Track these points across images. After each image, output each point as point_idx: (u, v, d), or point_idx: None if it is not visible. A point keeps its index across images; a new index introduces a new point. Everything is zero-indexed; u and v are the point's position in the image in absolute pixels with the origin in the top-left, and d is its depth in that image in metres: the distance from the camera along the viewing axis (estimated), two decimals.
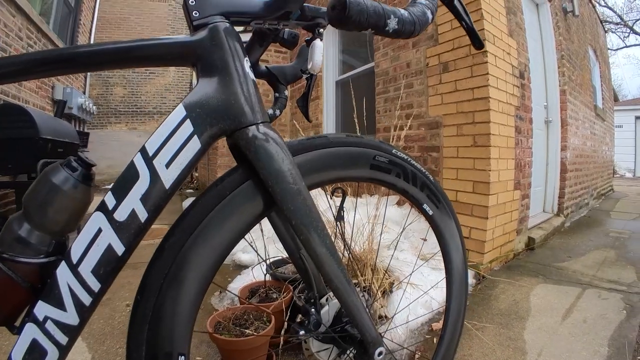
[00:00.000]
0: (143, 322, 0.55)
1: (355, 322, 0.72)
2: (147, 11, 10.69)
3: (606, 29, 10.24)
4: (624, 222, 4.46)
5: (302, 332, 0.79)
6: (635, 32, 18.82)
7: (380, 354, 0.76)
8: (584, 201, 4.96)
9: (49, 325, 0.52)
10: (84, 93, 7.44)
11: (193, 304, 0.58)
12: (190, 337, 0.59)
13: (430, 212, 0.89)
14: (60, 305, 0.52)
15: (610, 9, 18.70)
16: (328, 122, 4.88)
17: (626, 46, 20.32)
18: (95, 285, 0.54)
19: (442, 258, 0.97)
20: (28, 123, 2.63)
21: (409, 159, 0.82)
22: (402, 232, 1.96)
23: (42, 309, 0.52)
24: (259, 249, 2.09)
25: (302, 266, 0.82)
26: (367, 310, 0.74)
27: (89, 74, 8.57)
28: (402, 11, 0.62)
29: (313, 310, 0.79)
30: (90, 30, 7.61)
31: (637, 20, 18.58)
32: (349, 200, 2.12)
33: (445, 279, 0.99)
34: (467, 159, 2.61)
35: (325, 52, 4.81)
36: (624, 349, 1.62)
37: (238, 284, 2.10)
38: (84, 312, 0.54)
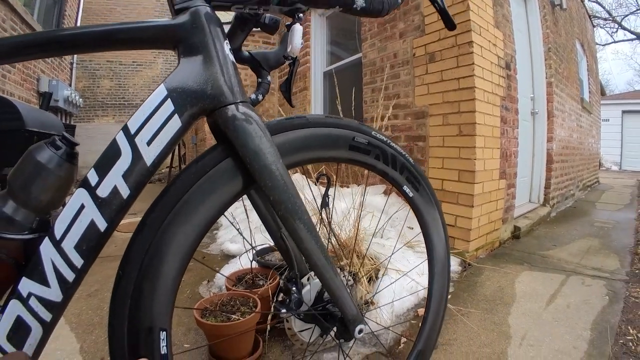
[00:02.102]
0: (125, 297, 0.56)
1: (335, 299, 0.74)
2: (134, 2, 10.53)
3: (595, 24, 10.35)
4: (608, 212, 4.55)
5: (283, 311, 0.80)
6: (624, 28, 19.06)
7: (360, 331, 0.78)
8: (569, 192, 5.04)
9: (33, 302, 0.53)
10: (70, 85, 7.33)
11: (174, 279, 0.59)
12: (171, 313, 0.60)
13: (411, 194, 0.90)
14: (43, 281, 0.53)
15: (599, 4, 18.88)
16: (316, 113, 4.88)
17: (614, 41, 20.63)
18: (78, 261, 0.55)
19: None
20: (14, 115, 2.59)
21: (388, 141, 0.84)
22: (388, 219, 1.98)
23: (25, 285, 0.53)
24: (245, 240, 2.10)
25: (284, 246, 0.83)
26: (348, 289, 0.76)
27: (75, 66, 8.46)
28: None
29: (294, 289, 0.81)
30: (76, 21, 7.48)
31: (626, 16, 18.80)
32: (335, 190, 2.14)
33: (427, 261, 1.01)
34: (452, 148, 2.64)
35: (313, 43, 4.80)
36: (606, 333, 1.67)
37: (226, 272, 2.11)
38: (68, 289, 0.55)
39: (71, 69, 7.61)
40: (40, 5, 5.71)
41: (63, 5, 6.61)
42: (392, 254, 1.75)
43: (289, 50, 0.74)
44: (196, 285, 2.21)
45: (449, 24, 0.82)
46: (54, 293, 0.53)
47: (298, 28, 0.74)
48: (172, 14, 0.64)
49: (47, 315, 0.54)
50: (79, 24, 7.50)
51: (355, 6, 0.61)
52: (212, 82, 0.61)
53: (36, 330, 0.53)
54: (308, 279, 0.84)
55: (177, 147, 7.28)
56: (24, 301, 0.52)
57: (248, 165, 0.61)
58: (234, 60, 0.66)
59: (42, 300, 0.53)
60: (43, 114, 3.52)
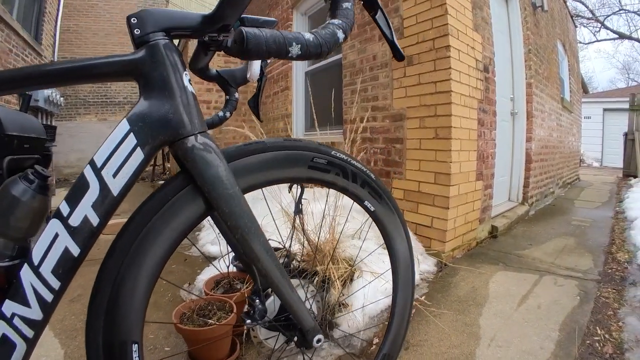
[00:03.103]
0: (99, 314, 0.62)
1: (292, 312, 0.79)
2: None
3: (578, 23, 10.51)
4: (586, 210, 4.63)
5: (248, 321, 0.84)
6: (606, 27, 19.35)
7: (318, 340, 0.83)
8: (549, 190, 5.16)
9: (16, 321, 0.58)
10: None
11: (143, 296, 0.65)
12: (142, 326, 0.66)
13: (372, 208, 0.95)
14: (25, 302, 0.59)
15: (583, 3, 19.16)
16: (297, 113, 4.91)
17: (597, 40, 20.90)
18: (55, 284, 0.60)
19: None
20: None
21: (349, 159, 0.88)
22: (365, 221, 2.02)
23: (9, 307, 0.58)
24: (225, 242, 2.13)
25: (246, 261, 0.87)
26: (308, 302, 0.80)
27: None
28: (307, 35, 0.66)
29: (258, 301, 0.85)
30: (57, 18, 7.32)
31: (608, 16, 19.09)
32: (313, 192, 2.17)
33: (391, 270, 1.05)
34: (429, 151, 2.69)
35: None
36: (574, 333, 1.71)
37: (206, 276, 2.14)
38: (47, 308, 0.60)
39: None
40: (19, 3, 5.59)
41: (43, 2, 6.48)
42: (366, 256, 1.79)
43: (248, 76, 0.77)
44: (177, 289, 2.23)
45: (398, 55, 0.86)
46: (35, 312, 0.59)
47: None
48: (134, 47, 0.66)
49: (29, 332, 0.59)
50: (59, 21, 7.36)
51: (290, 55, 0.64)
52: (172, 115, 0.64)
53: (20, 346, 0.59)
54: (272, 291, 0.87)
55: None
56: (8, 321, 0.58)
57: (206, 193, 0.66)
58: (193, 91, 0.68)
59: (24, 319, 0.59)
60: (22, 117, 3.45)
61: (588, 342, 1.66)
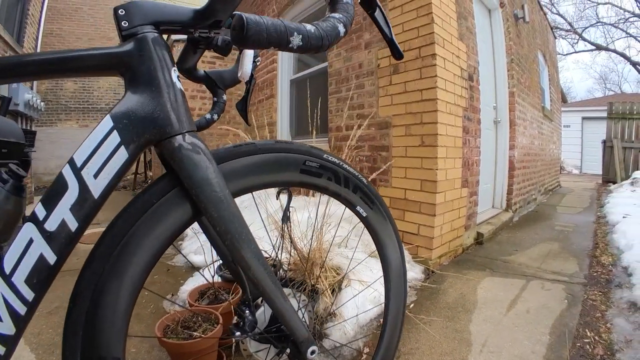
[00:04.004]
0: (77, 329, 0.57)
1: (285, 323, 0.75)
2: (100, 2, 10.20)
3: (557, 35, 10.82)
4: (569, 215, 4.71)
5: (237, 334, 0.80)
6: (584, 39, 20.04)
7: (313, 352, 0.79)
8: (531, 197, 5.23)
9: None
10: (32, 88, 7.02)
11: (125, 310, 0.60)
12: (124, 341, 0.61)
13: (364, 214, 0.92)
14: None
15: (561, 16, 19.84)
16: (282, 121, 4.88)
17: (575, 52, 21.66)
18: (29, 295, 0.54)
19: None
20: None
21: (341, 163, 0.85)
22: (352, 229, 2.01)
23: None
24: (209, 251, 2.08)
25: (235, 269, 0.83)
26: (300, 311, 0.77)
27: None
28: (309, 27, 0.64)
29: (247, 312, 0.81)
30: (40, 21, 7.15)
31: (586, 28, 19.80)
32: (301, 199, 2.15)
33: (383, 278, 1.03)
34: (415, 159, 2.69)
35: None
36: (564, 336, 1.72)
37: (190, 286, 2.07)
38: (20, 322, 0.54)
39: None
40: (1, 4, 5.46)
41: (26, 4, 6.34)
42: (356, 265, 1.77)
43: (239, 75, 0.74)
44: (160, 300, 2.16)
45: (397, 54, 0.84)
46: (6, 327, 0.53)
47: (249, 53, 0.74)
48: (120, 40, 0.62)
49: (0, 349, 0.53)
50: (42, 24, 7.21)
51: (291, 46, 0.61)
52: (159, 112, 0.60)
53: None
54: (262, 301, 0.84)
55: (142, 154, 7.08)
56: None
57: (194, 196, 0.62)
58: (182, 88, 0.65)
59: None
60: (1, 120, 3.37)
61: (579, 344, 1.67)
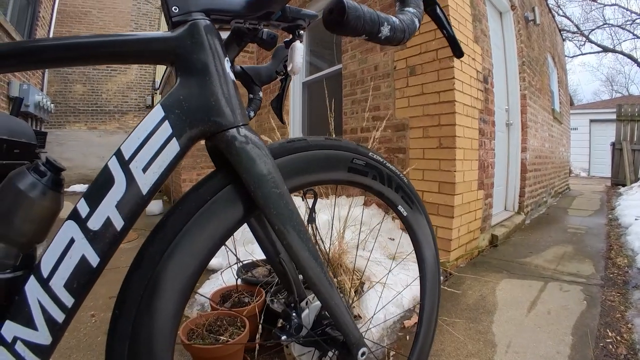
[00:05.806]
0: (124, 339, 0.52)
1: (338, 324, 0.72)
2: (109, 5, 10.24)
3: (564, 37, 10.79)
4: (580, 218, 4.68)
5: (284, 337, 0.78)
6: (591, 41, 19.99)
7: (363, 354, 0.77)
8: (542, 199, 5.20)
9: (19, 347, 0.48)
10: (42, 90, 7.06)
11: (174, 316, 0.55)
12: (172, 351, 0.57)
13: (405, 213, 0.91)
14: (30, 324, 0.48)
15: (568, 18, 19.78)
16: (294, 124, 4.86)
17: (582, 54, 21.58)
18: (68, 301, 0.50)
19: (415, 257, 0.99)
20: None
21: (384, 162, 0.84)
22: (370, 232, 2.00)
23: (10, 329, 0.48)
24: (229, 252, 2.07)
25: (282, 270, 0.82)
26: (349, 311, 0.75)
27: (46, 69, 8.17)
28: (394, 19, 0.62)
29: (294, 314, 0.80)
30: (50, 23, 7.21)
31: (592, 30, 19.74)
32: (319, 202, 2.13)
33: (418, 277, 1.02)
34: (432, 160, 2.68)
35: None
36: (586, 337, 1.72)
37: (207, 289, 2.05)
38: (57, 331, 0.50)
39: (43, 73, 7.30)
40: (13, 6, 5.51)
41: (37, 6, 6.39)
42: (388, 271, 1.74)
43: (289, 68, 0.72)
44: None
45: (457, 52, 0.83)
46: (42, 336, 0.49)
47: (299, 46, 0.72)
48: (169, 27, 0.58)
49: None
50: (52, 27, 7.26)
51: (380, 35, 0.60)
52: (213, 103, 0.57)
53: None
54: (307, 303, 0.83)
55: None
56: (9, 346, 0.47)
57: (252, 192, 0.58)
58: (235, 79, 0.62)
59: (28, 344, 0.48)
60: (12, 120, 3.37)
61: (601, 344, 1.67)
